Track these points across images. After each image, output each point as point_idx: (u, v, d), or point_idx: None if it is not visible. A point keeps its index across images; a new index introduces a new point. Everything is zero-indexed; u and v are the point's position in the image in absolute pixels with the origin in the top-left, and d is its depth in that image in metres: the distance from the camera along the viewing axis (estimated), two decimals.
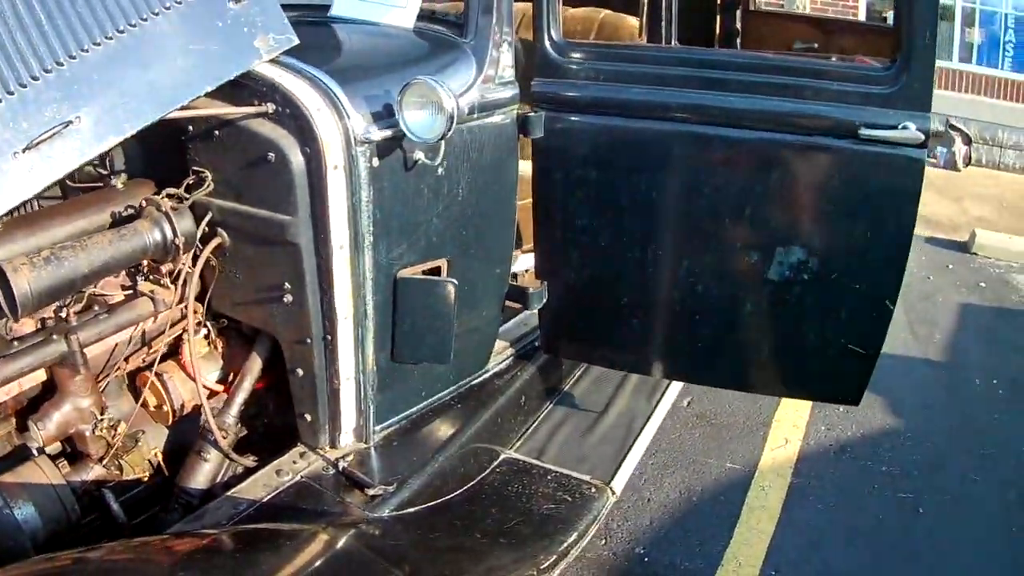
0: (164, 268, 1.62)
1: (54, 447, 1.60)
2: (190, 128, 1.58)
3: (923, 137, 1.61)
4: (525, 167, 1.89)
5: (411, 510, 1.62)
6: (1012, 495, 2.51)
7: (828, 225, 1.78)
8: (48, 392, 1.57)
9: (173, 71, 1.40)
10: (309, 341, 1.60)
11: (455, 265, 1.75)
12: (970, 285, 4.11)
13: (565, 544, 1.66)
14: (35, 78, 1.29)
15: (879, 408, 2.93)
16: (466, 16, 1.72)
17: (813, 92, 1.69)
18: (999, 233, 4.65)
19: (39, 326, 1.54)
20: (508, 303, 1.99)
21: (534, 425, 2.06)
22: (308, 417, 1.70)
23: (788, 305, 1.84)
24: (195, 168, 1.59)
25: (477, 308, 1.89)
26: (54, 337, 1.49)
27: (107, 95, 1.34)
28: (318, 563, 1.35)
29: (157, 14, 1.39)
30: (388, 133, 1.52)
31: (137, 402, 1.66)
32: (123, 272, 1.63)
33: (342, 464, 1.67)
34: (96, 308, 1.60)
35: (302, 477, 1.63)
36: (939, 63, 5.83)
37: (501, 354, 2.07)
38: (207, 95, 1.45)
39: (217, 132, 1.54)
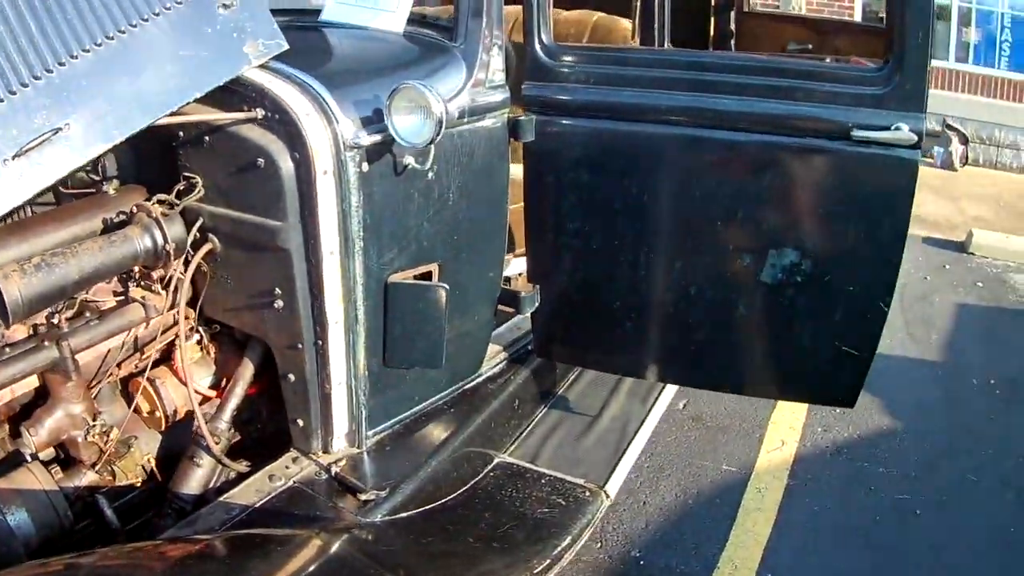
0: (155, 274, 1.62)
1: (47, 453, 1.59)
2: (181, 134, 1.58)
3: (916, 138, 1.61)
4: (518, 171, 1.89)
5: (404, 515, 1.62)
6: (1010, 495, 2.51)
7: (821, 227, 1.78)
8: (41, 398, 1.57)
9: (162, 77, 1.40)
10: (300, 346, 1.60)
11: (446, 269, 1.75)
12: (967, 285, 4.10)
13: (559, 548, 1.66)
14: (25, 85, 1.30)
15: (876, 409, 2.92)
16: (456, 20, 1.72)
17: (805, 94, 1.69)
18: (996, 233, 4.65)
19: (31, 332, 1.54)
20: (501, 307, 1.99)
21: (528, 429, 2.06)
22: (300, 422, 1.70)
23: (781, 307, 1.84)
24: (186, 174, 1.59)
25: (469, 312, 1.88)
26: (45, 343, 1.49)
27: (96, 102, 1.34)
28: (311, 568, 1.35)
29: (146, 20, 1.40)
30: (377, 138, 1.52)
31: (130, 408, 1.66)
32: (115, 278, 1.64)
33: (335, 469, 1.67)
34: (88, 314, 1.60)
35: (295, 482, 1.63)
36: (936, 63, 5.83)
37: (494, 358, 2.07)
38: (197, 101, 1.45)
39: (207, 138, 1.54)
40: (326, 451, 1.71)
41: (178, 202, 1.57)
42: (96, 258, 1.49)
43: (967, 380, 3.17)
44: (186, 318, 1.67)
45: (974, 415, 2.95)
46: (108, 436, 1.58)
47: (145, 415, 1.70)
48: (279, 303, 1.58)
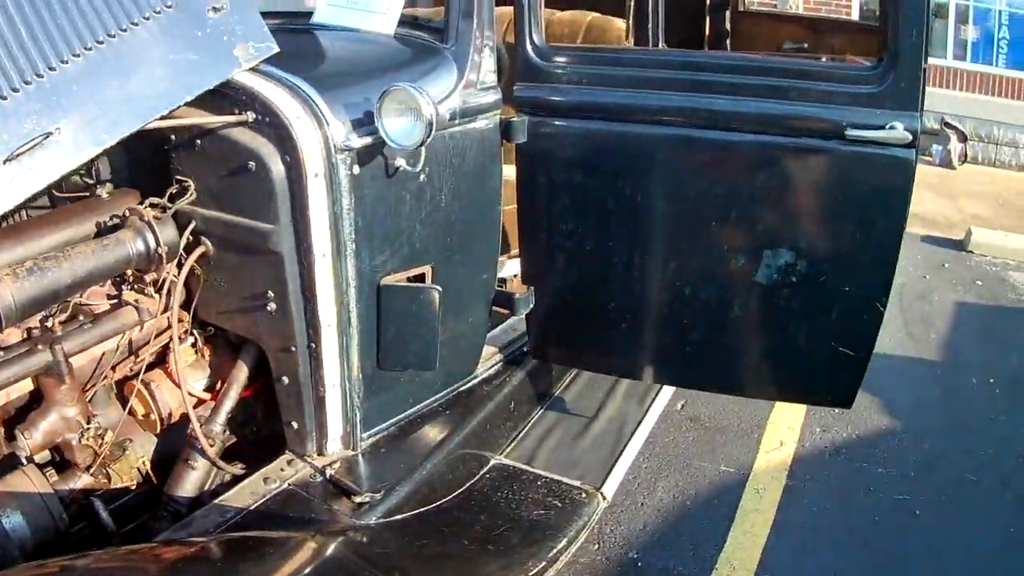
0: (148, 277, 1.62)
1: (42, 456, 1.60)
2: (172, 137, 1.58)
3: (911, 137, 1.60)
4: (512, 172, 1.89)
5: (399, 517, 1.62)
6: (1010, 496, 2.49)
7: (816, 227, 1.78)
8: (35, 402, 1.57)
9: (153, 81, 1.40)
10: (294, 349, 1.60)
11: (440, 272, 1.75)
12: (966, 283, 4.09)
13: (554, 551, 1.66)
14: (15, 90, 1.30)
15: (875, 409, 2.91)
16: (447, 21, 1.72)
17: (799, 93, 1.68)
18: (995, 231, 4.63)
19: (25, 336, 1.54)
20: (496, 309, 1.98)
21: (524, 431, 2.05)
22: (295, 425, 1.70)
23: (776, 308, 1.83)
24: (178, 177, 1.60)
25: (463, 314, 1.88)
26: (39, 347, 1.49)
27: (87, 106, 1.35)
28: (305, 571, 1.35)
29: (136, 24, 1.40)
30: (368, 140, 1.52)
31: (125, 411, 1.66)
32: (108, 282, 1.64)
33: (329, 472, 1.67)
34: (81, 318, 1.60)
35: (289, 485, 1.63)
36: (933, 60, 5.82)
37: (490, 360, 2.07)
38: (189, 104, 1.46)
39: (199, 141, 1.54)
40: (321, 453, 1.71)
41: (170, 205, 1.57)
42: (89, 262, 1.49)
43: (966, 379, 3.15)
44: (180, 321, 1.67)
45: (973, 414, 2.93)
46: (103, 439, 1.59)
47: (140, 418, 1.71)
48: (272, 306, 1.58)
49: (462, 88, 1.68)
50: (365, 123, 1.52)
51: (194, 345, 1.77)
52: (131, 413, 1.68)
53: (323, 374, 1.63)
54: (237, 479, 1.65)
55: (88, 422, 1.57)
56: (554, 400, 2.19)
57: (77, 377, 1.56)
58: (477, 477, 1.82)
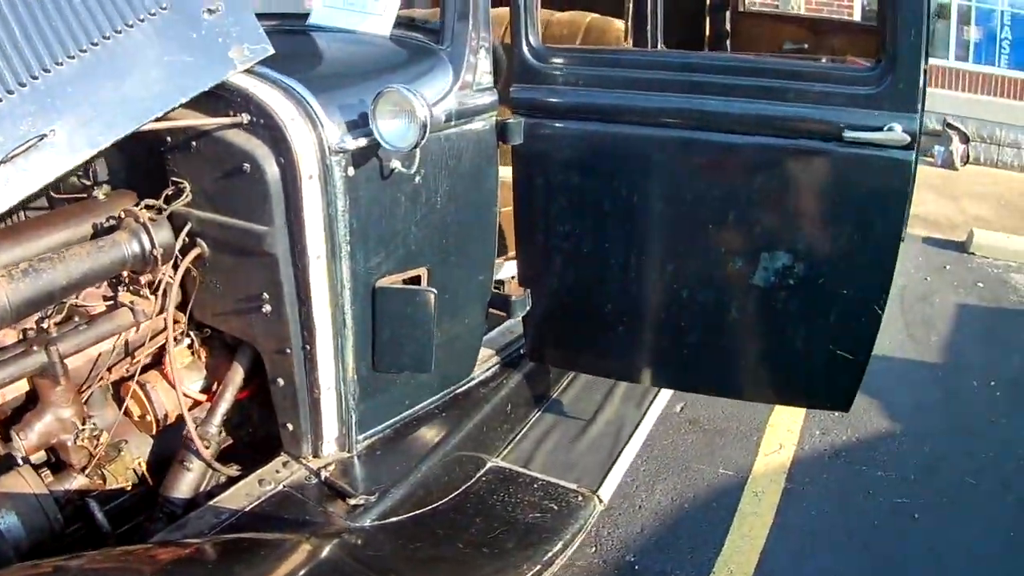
0: (144, 279, 1.62)
1: (37, 457, 1.60)
2: (168, 139, 1.58)
3: (909, 138, 1.59)
4: (509, 174, 1.89)
5: (394, 519, 1.62)
6: (1011, 499, 2.48)
7: (814, 229, 1.77)
8: (31, 402, 1.57)
9: (148, 83, 1.40)
10: (289, 351, 1.60)
11: (435, 274, 1.75)
12: (968, 285, 4.07)
13: (549, 554, 1.65)
14: (10, 92, 1.30)
15: (874, 411, 2.90)
16: (443, 22, 1.71)
17: (797, 94, 1.67)
18: (997, 232, 4.61)
19: (20, 337, 1.55)
20: (493, 311, 1.98)
21: (521, 433, 2.05)
22: (290, 427, 1.70)
23: (774, 311, 1.82)
24: (174, 179, 1.60)
25: (460, 316, 1.88)
26: (35, 348, 1.50)
27: (82, 108, 1.35)
28: (300, 573, 1.35)
29: (131, 26, 1.40)
30: (363, 142, 1.51)
31: (120, 412, 1.67)
32: (104, 283, 1.64)
33: (324, 474, 1.66)
34: (77, 319, 1.60)
35: (285, 487, 1.63)
36: (935, 61, 5.80)
37: (487, 362, 2.07)
38: (184, 106, 1.46)
39: (194, 143, 1.54)
40: (316, 455, 1.70)
41: (166, 207, 1.57)
42: (84, 263, 1.49)
43: (967, 381, 3.14)
44: (176, 323, 1.67)
45: (974, 417, 2.91)
46: (98, 440, 1.59)
47: (136, 419, 1.71)
48: (267, 307, 1.58)
49: (458, 89, 1.67)
50: (360, 125, 1.52)
51: (190, 347, 1.77)
52: (127, 414, 1.68)
53: (318, 376, 1.63)
54: (232, 481, 1.65)
55: (84, 423, 1.58)
56: (551, 403, 2.18)
57: (73, 378, 1.57)
58: (473, 480, 1.82)
